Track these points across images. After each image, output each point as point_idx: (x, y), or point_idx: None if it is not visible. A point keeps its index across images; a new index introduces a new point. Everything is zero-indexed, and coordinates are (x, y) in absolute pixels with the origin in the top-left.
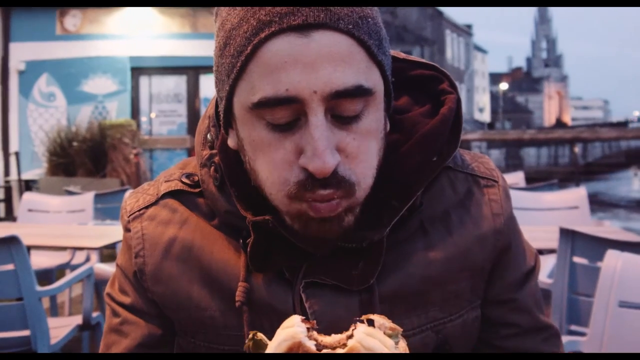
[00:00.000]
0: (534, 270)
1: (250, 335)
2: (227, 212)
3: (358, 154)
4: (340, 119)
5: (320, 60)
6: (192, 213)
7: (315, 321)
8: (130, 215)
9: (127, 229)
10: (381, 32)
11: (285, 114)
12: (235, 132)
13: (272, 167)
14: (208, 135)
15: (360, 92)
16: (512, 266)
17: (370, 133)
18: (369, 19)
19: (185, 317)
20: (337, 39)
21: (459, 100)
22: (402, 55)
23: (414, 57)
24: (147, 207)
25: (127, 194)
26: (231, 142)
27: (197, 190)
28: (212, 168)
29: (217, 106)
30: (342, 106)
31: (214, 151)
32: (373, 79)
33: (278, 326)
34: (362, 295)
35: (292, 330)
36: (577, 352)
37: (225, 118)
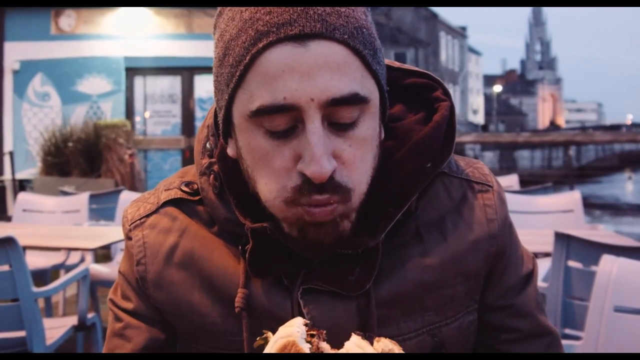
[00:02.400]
0: (532, 274)
1: (264, 335)
2: (227, 220)
3: (354, 160)
4: (337, 126)
5: (317, 68)
6: (192, 221)
7: (324, 331)
8: (131, 224)
9: (128, 237)
10: (375, 43)
11: (283, 121)
12: (234, 140)
13: (271, 174)
14: (207, 144)
15: (356, 100)
16: (508, 271)
17: (366, 140)
18: (364, 30)
19: (187, 323)
20: (333, 48)
21: (452, 108)
22: (397, 64)
23: (408, 65)
24: (147, 216)
25: (127, 200)
26: (230, 151)
27: (197, 198)
28: (212, 176)
29: (216, 116)
30: (338, 113)
31: (213, 160)
32: (368, 88)
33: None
34: (359, 301)
35: (290, 329)
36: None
37: (224, 127)
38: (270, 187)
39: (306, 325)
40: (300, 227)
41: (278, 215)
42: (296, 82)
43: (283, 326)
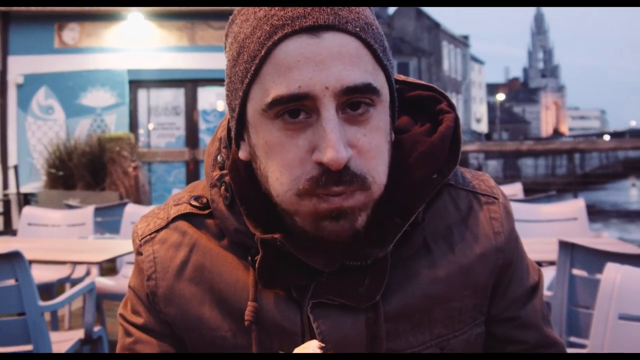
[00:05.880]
0: (537, 286)
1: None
2: (237, 231)
3: (370, 149)
4: (351, 116)
5: (330, 58)
6: (202, 235)
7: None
8: (141, 239)
9: (138, 253)
10: (384, 42)
11: (298, 111)
12: (248, 140)
13: (284, 166)
14: (218, 157)
15: (369, 90)
16: (514, 283)
17: (379, 131)
18: (374, 27)
19: (197, 338)
20: (346, 40)
21: (457, 119)
22: (401, 77)
23: (413, 79)
24: (157, 231)
25: (132, 213)
26: (242, 154)
27: (206, 212)
28: (223, 187)
29: (229, 130)
30: (352, 103)
31: (225, 171)
32: (379, 81)
33: (287, 346)
34: (368, 314)
35: (305, 351)
36: None
37: (237, 129)
38: (282, 180)
39: (321, 348)
40: (317, 219)
41: (290, 209)
42: (311, 71)
43: (298, 348)
